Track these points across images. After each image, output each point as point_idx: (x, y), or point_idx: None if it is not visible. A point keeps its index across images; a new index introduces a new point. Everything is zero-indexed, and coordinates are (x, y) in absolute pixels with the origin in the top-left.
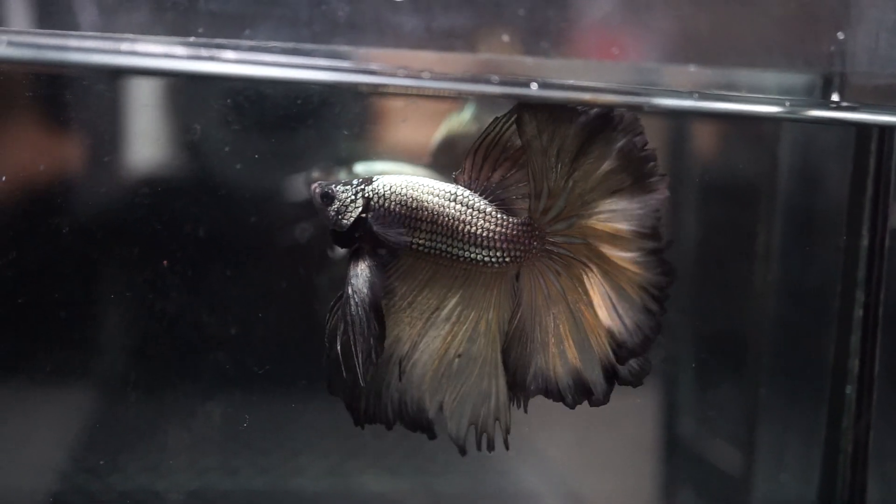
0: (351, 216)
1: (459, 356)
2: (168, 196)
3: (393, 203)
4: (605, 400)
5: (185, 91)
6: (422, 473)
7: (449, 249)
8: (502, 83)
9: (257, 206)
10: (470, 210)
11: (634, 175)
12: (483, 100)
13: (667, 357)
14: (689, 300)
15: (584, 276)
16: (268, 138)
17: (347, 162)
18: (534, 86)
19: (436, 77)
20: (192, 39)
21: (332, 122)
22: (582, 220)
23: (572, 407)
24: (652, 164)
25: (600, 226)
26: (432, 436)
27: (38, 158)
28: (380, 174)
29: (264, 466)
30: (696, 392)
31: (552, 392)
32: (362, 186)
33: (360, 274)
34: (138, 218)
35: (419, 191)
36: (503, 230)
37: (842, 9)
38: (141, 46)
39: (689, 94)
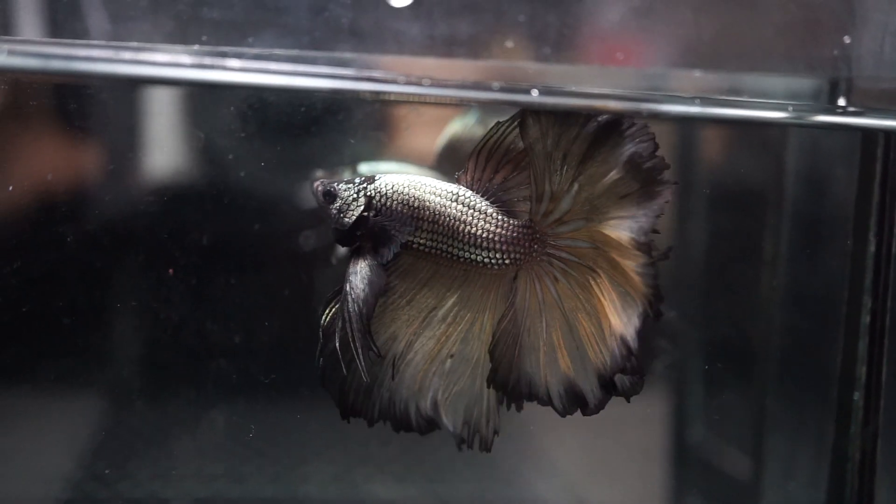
0: (353, 214)
1: (452, 356)
2: (175, 204)
3: (395, 202)
4: (598, 409)
5: (194, 99)
6: (429, 481)
7: (449, 249)
8: (503, 90)
9: (273, 214)
10: (471, 211)
11: (642, 181)
12: (488, 105)
13: (674, 364)
14: (697, 307)
15: (591, 281)
16: (286, 145)
17: (352, 162)
18: (535, 92)
19: (436, 83)
20: (196, 47)
21: (340, 129)
22: (591, 224)
23: (563, 415)
24: (660, 171)
25: (609, 231)
26: (422, 433)
27: (45, 168)
28: (383, 174)
29: (272, 474)
30: (704, 399)
31: (540, 398)
32: (364, 185)
33: (360, 272)
34: (145, 226)
35: (421, 190)
36: (504, 232)
37: (846, 13)
38: (146, 55)
39: (691, 100)
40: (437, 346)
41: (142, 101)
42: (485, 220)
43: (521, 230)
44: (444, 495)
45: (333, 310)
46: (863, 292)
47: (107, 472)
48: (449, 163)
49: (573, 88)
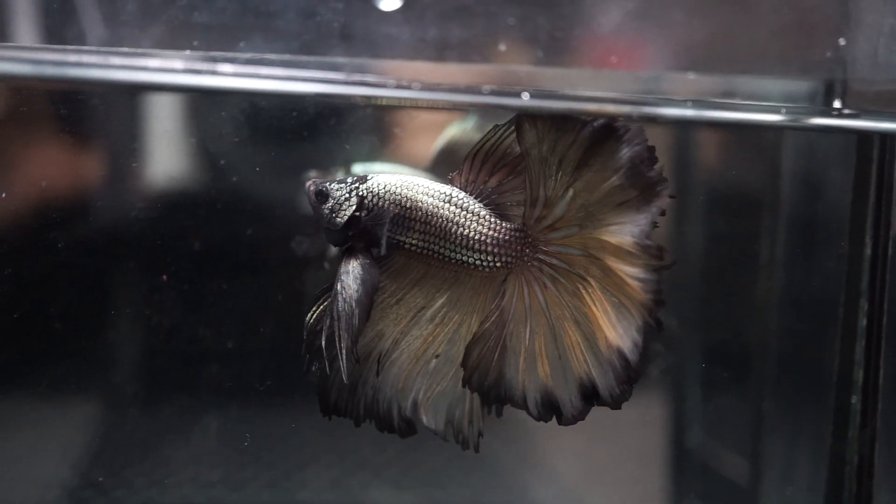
0: (345, 214)
1: (437, 356)
2: (169, 210)
3: (387, 202)
4: (576, 420)
5: (188, 104)
6: (426, 486)
7: (440, 250)
8: (494, 93)
9: (267, 219)
10: (463, 212)
11: (640, 187)
12: (487, 109)
13: (672, 368)
14: (693, 311)
15: (582, 290)
16: (279, 150)
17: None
18: (525, 95)
19: (427, 87)
20: (187, 52)
21: (333, 134)
22: (585, 232)
23: (537, 421)
24: (658, 175)
25: (607, 237)
26: (402, 436)
27: (37, 174)
28: (375, 174)
29: (269, 480)
30: (702, 403)
31: (515, 402)
32: (356, 185)
33: (352, 271)
34: (138, 231)
35: (414, 190)
36: (495, 234)
37: (841, 15)
38: (138, 61)
39: (683, 103)
40: (423, 346)
41: (133, 107)
42: (477, 222)
43: (513, 233)
44: (441, 501)
45: (321, 307)
46: (859, 295)
47: (101, 479)
48: (445, 166)
49: (567, 92)
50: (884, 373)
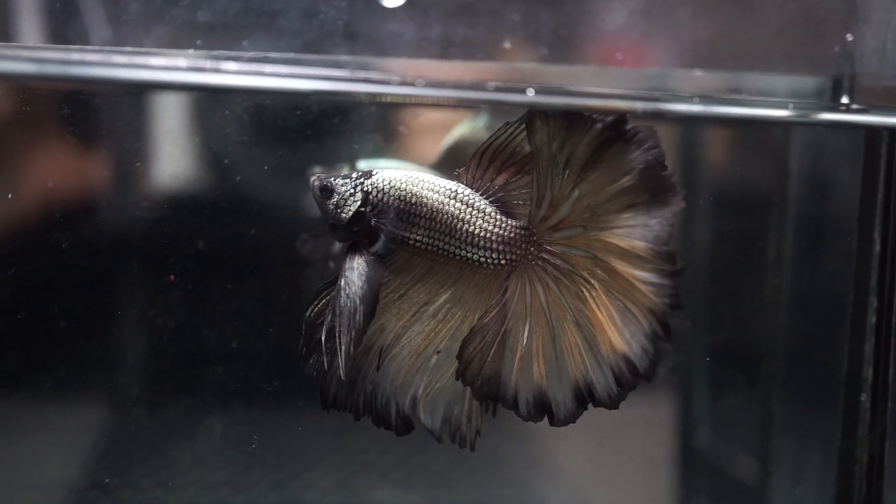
0: (349, 210)
1: (438, 352)
2: (173, 210)
3: (392, 198)
4: (567, 421)
5: (192, 103)
6: (432, 487)
7: (445, 247)
8: (499, 90)
9: (272, 219)
10: (469, 209)
11: (651, 190)
12: (498, 108)
13: (679, 368)
14: (702, 310)
15: (586, 293)
16: (284, 149)
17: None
18: (530, 92)
19: (430, 84)
20: (190, 51)
21: (337, 132)
22: (591, 233)
23: (526, 421)
24: (669, 178)
25: (615, 240)
26: (398, 433)
27: (42, 175)
28: (380, 169)
29: (274, 481)
30: (710, 402)
31: (506, 401)
32: (361, 180)
33: (357, 268)
34: (142, 232)
35: (419, 186)
36: (500, 231)
37: (848, 10)
38: (141, 59)
39: (690, 99)
40: (424, 342)
41: (137, 107)
42: (483, 219)
43: (518, 231)
44: (447, 502)
45: (323, 301)
46: (868, 293)
47: (107, 480)
48: (453, 163)
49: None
50: (893, 370)
